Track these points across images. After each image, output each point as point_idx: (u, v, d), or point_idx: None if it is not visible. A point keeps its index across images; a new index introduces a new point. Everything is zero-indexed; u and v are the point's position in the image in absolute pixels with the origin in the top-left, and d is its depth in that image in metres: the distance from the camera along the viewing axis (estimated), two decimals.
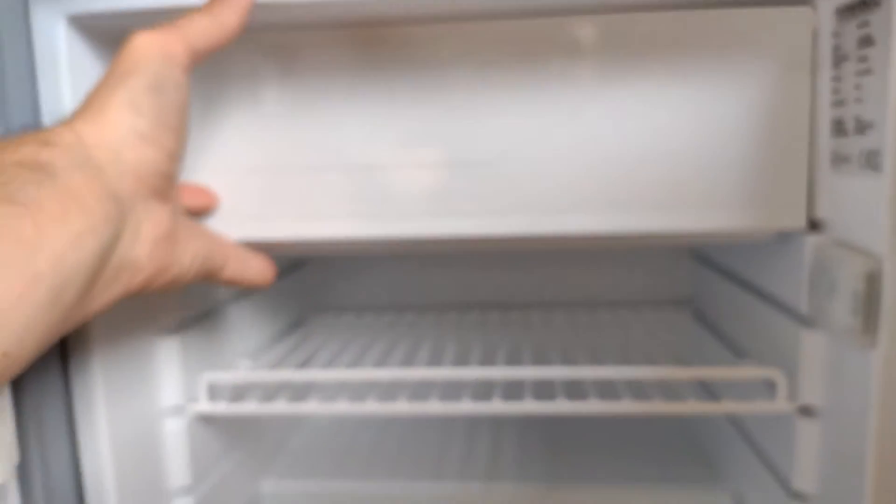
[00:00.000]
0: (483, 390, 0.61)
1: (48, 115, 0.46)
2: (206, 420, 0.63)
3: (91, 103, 0.39)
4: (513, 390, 0.60)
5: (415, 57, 0.53)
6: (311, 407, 0.61)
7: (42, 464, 0.47)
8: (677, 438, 0.85)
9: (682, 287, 0.89)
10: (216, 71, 0.54)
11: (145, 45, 0.39)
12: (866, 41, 0.46)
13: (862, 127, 0.47)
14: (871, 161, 0.46)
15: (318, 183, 0.54)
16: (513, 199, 0.54)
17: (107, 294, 0.38)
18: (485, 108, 0.53)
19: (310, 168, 0.54)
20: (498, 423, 0.88)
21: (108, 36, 0.51)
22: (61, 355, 0.49)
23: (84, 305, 0.36)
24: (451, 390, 0.61)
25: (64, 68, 0.48)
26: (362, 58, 0.53)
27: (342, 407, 0.60)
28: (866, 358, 0.46)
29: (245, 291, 0.73)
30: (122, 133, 0.38)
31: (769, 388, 0.57)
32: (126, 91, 0.38)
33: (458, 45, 0.53)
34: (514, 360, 0.68)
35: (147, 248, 0.40)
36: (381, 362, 0.69)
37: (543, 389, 0.60)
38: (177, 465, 0.60)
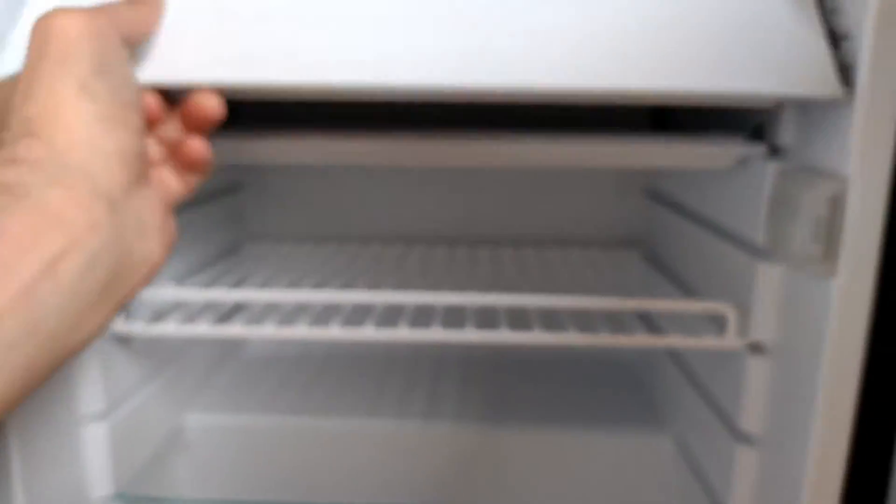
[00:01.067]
0: (423, 320, 0.57)
1: None
2: (122, 341, 0.58)
3: (36, 100, 0.33)
4: (454, 320, 0.57)
5: None
6: (237, 330, 0.56)
7: None
8: (620, 381, 0.83)
9: (634, 227, 0.86)
10: None
11: (75, 26, 0.34)
12: None
13: (836, 38, 0.43)
14: (845, 77, 0.42)
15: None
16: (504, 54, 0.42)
17: (134, 290, 0.36)
18: None
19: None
20: (438, 361, 0.85)
21: None
22: None
23: (91, 319, 0.33)
24: (389, 318, 0.57)
25: None
26: None
27: (270, 330, 0.56)
28: (824, 288, 0.44)
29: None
30: (87, 124, 0.34)
31: (718, 326, 0.55)
32: (72, 79, 0.34)
33: None
34: (474, 281, 0.65)
35: (156, 238, 0.38)
36: (316, 287, 0.65)
37: (486, 320, 0.57)
38: (88, 389, 0.55)
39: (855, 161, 0.41)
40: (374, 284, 0.67)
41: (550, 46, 0.42)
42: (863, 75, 0.41)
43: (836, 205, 0.42)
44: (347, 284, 0.69)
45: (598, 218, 0.87)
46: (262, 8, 0.43)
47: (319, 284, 0.68)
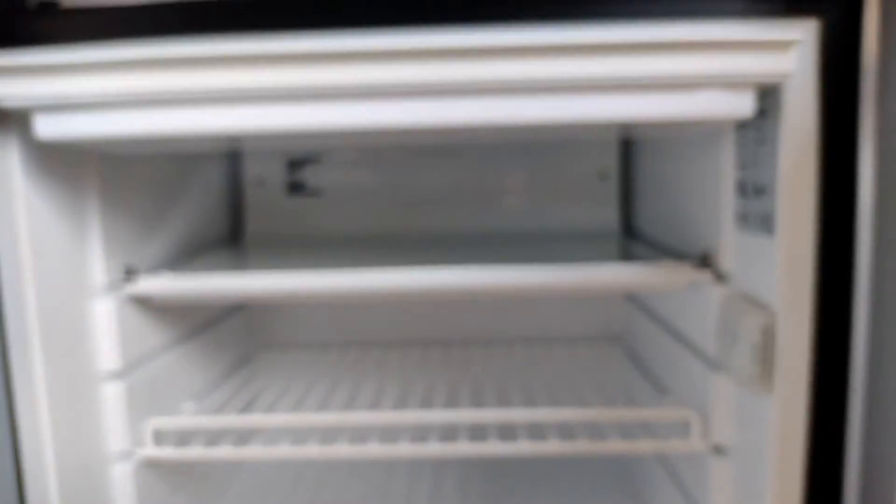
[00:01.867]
0: (422, 432, 0.63)
1: None
2: (153, 464, 0.64)
3: None
4: (449, 432, 0.63)
5: None
6: (254, 451, 0.62)
7: None
8: (608, 476, 0.87)
9: (615, 325, 0.93)
10: None
11: None
12: (761, 113, 0.50)
13: (758, 190, 0.51)
14: (766, 223, 0.50)
15: None
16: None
17: None
18: None
19: None
20: (438, 465, 0.90)
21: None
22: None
23: None
24: (391, 433, 0.63)
25: None
26: None
27: (284, 451, 0.61)
28: (765, 402, 0.50)
29: (191, 332, 0.74)
30: None
31: (686, 426, 0.60)
32: None
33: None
34: (452, 399, 0.70)
35: None
36: (323, 404, 0.71)
37: (478, 431, 0.63)
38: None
39: (780, 295, 0.48)
40: (378, 390, 0.73)
41: None
42: (779, 222, 0.48)
43: (768, 333, 0.49)
44: (353, 392, 0.74)
45: (582, 317, 0.93)
46: None
47: (327, 397, 0.74)
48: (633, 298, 0.87)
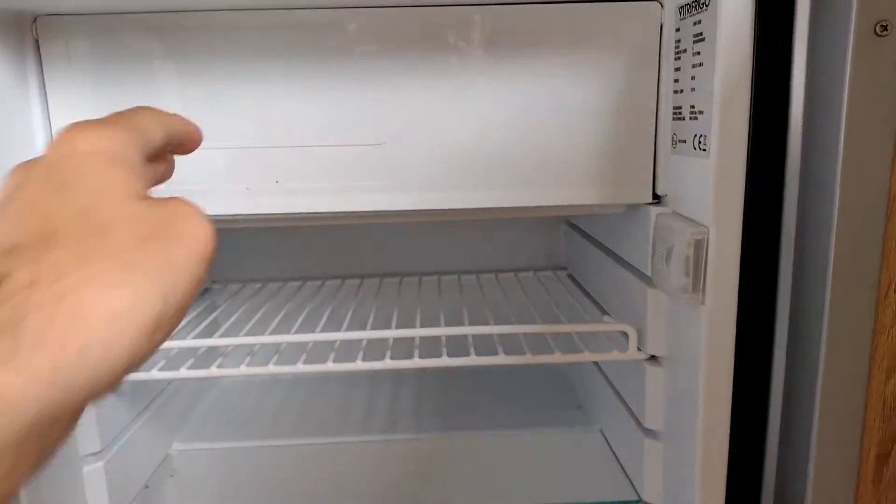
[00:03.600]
0: (379, 351, 0.63)
1: None
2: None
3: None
4: (404, 349, 0.63)
5: (307, 45, 0.54)
6: (214, 371, 0.62)
7: None
8: (556, 389, 0.90)
9: (559, 253, 0.94)
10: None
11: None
12: (699, 37, 0.50)
13: (695, 113, 0.51)
14: (701, 144, 0.50)
15: (217, 162, 0.55)
16: (405, 176, 0.56)
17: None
18: (362, 99, 0.55)
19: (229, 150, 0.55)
20: (396, 380, 0.91)
21: None
22: None
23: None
24: (349, 351, 0.63)
25: None
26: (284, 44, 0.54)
27: (243, 370, 0.61)
28: (696, 313, 0.52)
29: None
30: None
31: (625, 338, 0.62)
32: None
33: (338, 35, 0.54)
34: (407, 322, 0.71)
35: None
36: (279, 329, 0.71)
37: (432, 347, 0.64)
38: (85, 433, 0.60)
39: (712, 211, 0.49)
40: (334, 317, 0.74)
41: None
42: (713, 142, 0.49)
43: (699, 247, 0.50)
44: (312, 317, 0.74)
45: (529, 249, 0.94)
46: None
47: (283, 322, 0.73)
48: (575, 227, 0.88)
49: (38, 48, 0.54)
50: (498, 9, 0.55)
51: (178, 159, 0.37)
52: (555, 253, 0.95)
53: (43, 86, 0.55)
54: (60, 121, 0.55)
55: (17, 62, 0.53)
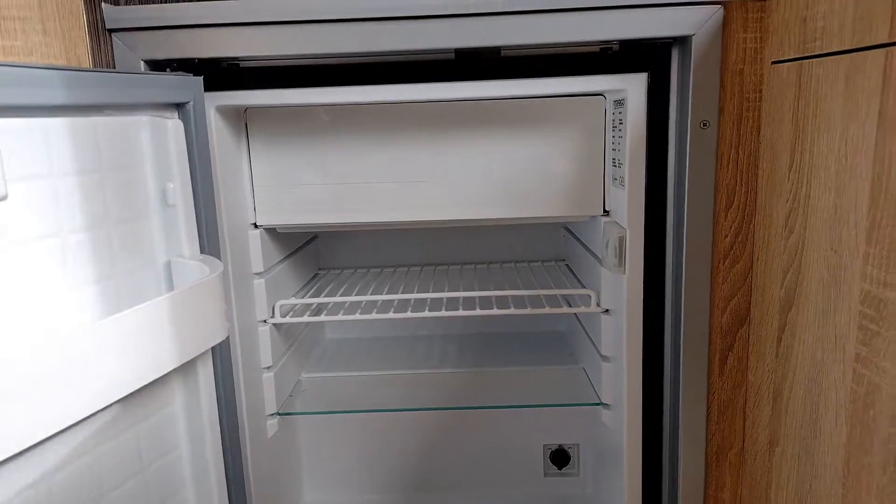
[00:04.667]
0: (434, 306, 1.01)
1: None
2: (277, 327, 1.02)
3: None
4: (452, 306, 1.01)
5: (387, 126, 0.93)
6: (331, 318, 1.00)
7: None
8: (555, 345, 1.26)
9: (559, 250, 1.31)
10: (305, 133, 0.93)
11: None
12: (621, 121, 0.86)
13: (618, 164, 0.88)
14: (621, 181, 0.87)
15: (344, 191, 0.94)
16: (439, 200, 0.94)
17: None
18: (419, 153, 0.93)
19: (343, 184, 0.94)
20: (445, 340, 1.29)
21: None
22: None
23: None
24: (419, 306, 1.01)
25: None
26: (376, 127, 0.93)
27: (357, 317, 1.00)
28: (621, 280, 0.88)
29: (290, 253, 1.11)
30: None
31: (590, 298, 0.98)
32: None
33: (404, 119, 0.93)
34: (469, 286, 1.09)
35: None
36: (375, 291, 1.09)
37: (468, 305, 1.01)
38: (263, 353, 0.99)
39: (629, 220, 0.85)
40: (406, 287, 1.11)
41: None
42: (627, 180, 0.85)
43: (622, 241, 0.86)
44: (394, 286, 1.12)
45: (537, 245, 1.31)
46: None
47: (376, 290, 1.12)
48: (570, 231, 1.24)
49: (247, 127, 0.94)
50: (504, 102, 0.92)
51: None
52: (556, 249, 1.31)
53: (248, 149, 0.95)
54: (259, 171, 0.95)
55: (237, 135, 0.93)
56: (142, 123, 0.66)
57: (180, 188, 0.69)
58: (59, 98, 0.55)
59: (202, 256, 0.72)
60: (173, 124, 0.68)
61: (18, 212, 0.53)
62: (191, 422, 0.71)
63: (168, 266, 0.70)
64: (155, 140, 0.67)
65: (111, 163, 0.63)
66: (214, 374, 0.73)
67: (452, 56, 0.82)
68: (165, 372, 0.61)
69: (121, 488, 0.63)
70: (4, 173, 0.50)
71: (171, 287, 0.70)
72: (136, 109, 0.66)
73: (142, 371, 0.58)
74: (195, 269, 0.68)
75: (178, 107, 0.70)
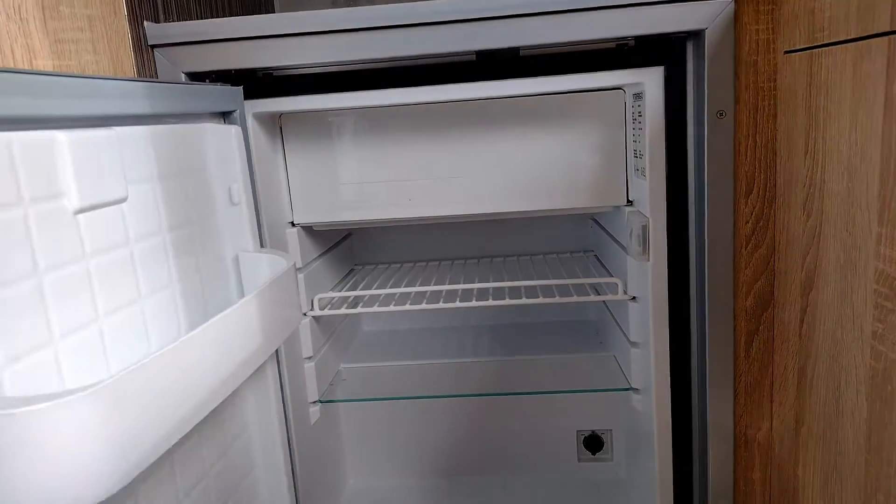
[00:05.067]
0: (466, 296, 1.04)
1: None
2: (316, 319, 1.07)
3: None
4: (483, 297, 1.04)
5: (415, 126, 0.96)
6: (373, 309, 1.04)
7: None
8: (586, 333, 1.29)
9: (588, 241, 1.33)
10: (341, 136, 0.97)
11: None
12: (640, 113, 0.88)
13: (639, 154, 0.90)
14: (643, 172, 0.89)
15: (377, 189, 0.98)
16: (468, 195, 0.97)
17: None
18: (447, 151, 0.96)
19: (374, 182, 0.98)
20: (476, 329, 1.32)
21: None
22: None
23: None
24: (451, 298, 1.05)
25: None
26: (405, 127, 0.96)
27: (392, 308, 1.04)
28: (646, 267, 0.90)
29: (326, 250, 1.16)
30: None
31: (617, 286, 1.01)
32: None
33: (432, 119, 0.96)
34: (500, 277, 1.12)
35: None
36: (411, 285, 1.13)
37: (498, 295, 1.04)
38: (304, 344, 1.04)
39: (651, 209, 0.87)
40: (439, 280, 1.15)
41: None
42: (648, 171, 0.87)
43: (646, 229, 0.88)
44: (428, 278, 1.16)
45: (568, 237, 1.33)
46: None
47: (410, 282, 1.16)
48: (597, 222, 1.26)
49: (282, 131, 0.99)
50: (528, 99, 0.95)
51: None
52: (585, 240, 1.33)
53: (284, 152, 0.99)
54: (294, 172, 0.99)
55: (273, 139, 0.97)
56: (205, 130, 0.72)
57: (242, 188, 0.74)
58: (144, 107, 0.60)
59: (268, 249, 0.78)
60: (235, 130, 0.74)
61: (133, 212, 0.59)
62: (258, 408, 0.76)
63: (235, 260, 0.76)
64: (218, 144, 0.73)
65: (188, 166, 0.68)
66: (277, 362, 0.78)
67: (473, 58, 0.85)
68: (262, 363, 0.65)
69: (214, 468, 0.68)
70: (126, 175, 0.55)
71: (239, 280, 0.76)
72: (194, 118, 0.71)
73: (245, 366, 0.61)
74: (265, 261, 0.74)
75: (225, 115, 0.76)
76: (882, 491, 0.60)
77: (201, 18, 0.94)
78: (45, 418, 0.36)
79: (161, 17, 0.84)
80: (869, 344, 0.62)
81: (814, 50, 0.65)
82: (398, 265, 1.34)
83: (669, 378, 0.92)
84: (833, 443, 0.70)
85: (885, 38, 0.52)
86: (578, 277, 1.11)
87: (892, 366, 0.59)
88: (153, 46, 0.82)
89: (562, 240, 1.33)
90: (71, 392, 0.37)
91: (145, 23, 0.81)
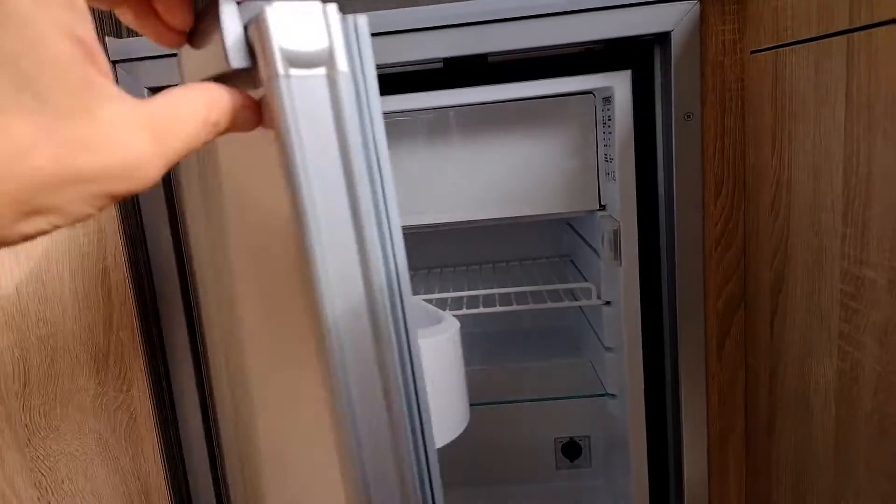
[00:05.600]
0: (441, 308, 1.03)
1: None
2: None
3: None
4: (457, 306, 1.03)
5: (393, 133, 0.95)
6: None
7: None
8: (566, 340, 1.28)
9: (564, 246, 1.32)
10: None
11: None
12: (609, 117, 0.88)
13: (610, 159, 0.89)
14: (612, 176, 0.88)
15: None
16: (441, 203, 0.96)
17: None
18: (424, 160, 0.95)
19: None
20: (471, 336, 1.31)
21: None
22: None
23: None
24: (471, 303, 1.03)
25: None
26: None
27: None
28: (617, 271, 0.89)
29: None
30: None
31: (590, 291, 1.00)
32: None
33: (398, 128, 0.95)
34: (474, 285, 1.11)
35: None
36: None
37: (472, 304, 1.03)
38: None
39: (622, 213, 0.87)
40: (441, 287, 1.14)
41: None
42: (618, 175, 0.86)
43: (617, 233, 0.88)
44: (432, 284, 1.15)
45: (545, 243, 1.33)
46: None
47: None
48: (572, 228, 1.26)
49: None
50: (504, 105, 0.94)
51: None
52: (561, 246, 1.33)
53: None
54: None
55: None
56: None
57: None
58: None
59: None
60: None
61: None
62: None
63: None
64: None
65: None
66: None
67: (441, 65, 0.85)
68: None
69: None
70: None
71: None
72: None
73: None
74: None
75: None
76: (851, 490, 0.60)
77: None
78: None
79: (123, 32, 0.83)
80: (836, 344, 0.62)
81: (779, 49, 0.65)
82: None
83: (643, 382, 0.91)
84: (804, 442, 0.70)
85: (844, 37, 0.52)
86: (554, 283, 1.10)
87: (857, 366, 0.58)
88: (115, 62, 0.81)
89: (538, 245, 1.33)
90: None
91: (107, 38, 0.80)
